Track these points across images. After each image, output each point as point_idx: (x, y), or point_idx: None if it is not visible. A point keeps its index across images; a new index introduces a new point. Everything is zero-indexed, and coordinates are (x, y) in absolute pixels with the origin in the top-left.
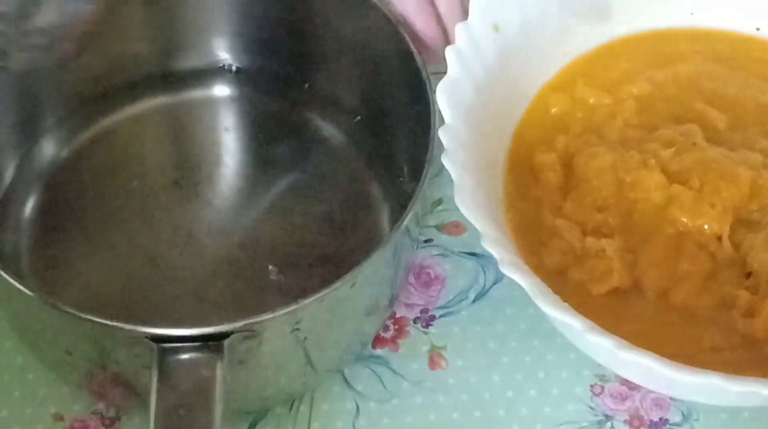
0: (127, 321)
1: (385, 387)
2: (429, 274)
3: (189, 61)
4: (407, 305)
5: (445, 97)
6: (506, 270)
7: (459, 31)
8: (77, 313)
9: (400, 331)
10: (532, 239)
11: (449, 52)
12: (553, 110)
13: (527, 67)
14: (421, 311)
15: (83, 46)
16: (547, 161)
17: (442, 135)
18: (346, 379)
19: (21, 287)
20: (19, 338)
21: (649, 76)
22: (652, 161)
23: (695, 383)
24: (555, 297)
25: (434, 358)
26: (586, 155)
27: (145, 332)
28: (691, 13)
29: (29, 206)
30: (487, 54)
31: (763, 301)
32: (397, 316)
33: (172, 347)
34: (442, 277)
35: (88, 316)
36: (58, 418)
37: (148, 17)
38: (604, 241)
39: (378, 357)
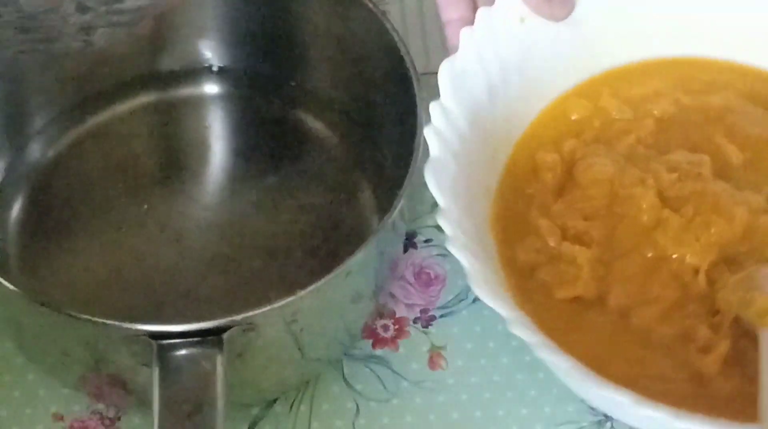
0: (123, 319)
1: (385, 387)
2: (429, 274)
3: (175, 61)
4: (407, 305)
5: (447, 76)
6: (452, 247)
7: (480, 16)
8: (76, 314)
9: (400, 331)
10: (512, 233)
11: (464, 33)
12: (573, 116)
13: (550, 67)
14: (421, 311)
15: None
16: (549, 161)
17: (433, 108)
18: (346, 379)
19: (18, 291)
20: (14, 343)
21: (677, 100)
22: (650, 181)
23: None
24: (493, 284)
25: (434, 358)
26: (587, 163)
27: (144, 330)
28: (736, 47)
29: (17, 207)
30: (506, 45)
31: (721, 340)
32: (397, 316)
33: (172, 343)
34: (442, 277)
35: (87, 317)
36: (58, 418)
37: None
38: (577, 249)
39: (378, 357)
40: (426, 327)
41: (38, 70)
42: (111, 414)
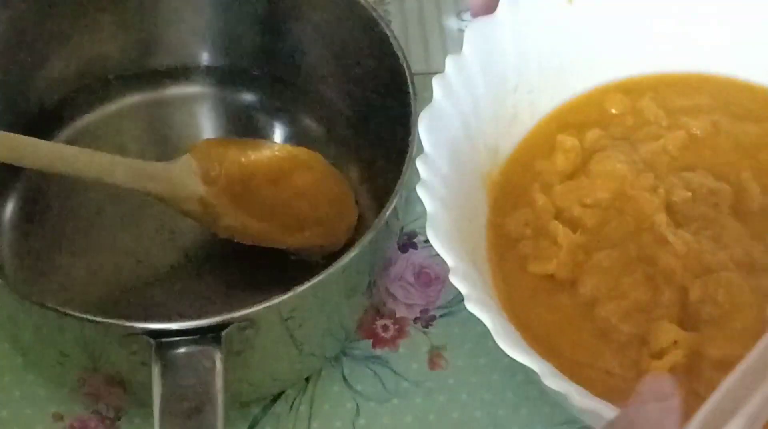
0: (121, 318)
1: (385, 387)
2: (429, 274)
3: (165, 60)
4: (407, 305)
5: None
6: (422, 192)
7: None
8: (74, 313)
9: (400, 331)
10: (507, 201)
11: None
12: (613, 110)
13: (591, 56)
14: (421, 311)
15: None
16: (567, 144)
17: (444, 71)
18: (346, 379)
19: (14, 291)
20: (12, 345)
21: (717, 121)
22: (661, 191)
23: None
24: (456, 250)
25: (434, 358)
26: (605, 155)
27: (142, 328)
28: None
29: (10, 209)
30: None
31: (675, 350)
32: (397, 316)
33: (171, 341)
34: (442, 277)
35: (85, 316)
36: (58, 418)
37: (120, 17)
38: (562, 229)
39: (378, 357)
40: (426, 327)
41: (27, 71)
42: (111, 414)
